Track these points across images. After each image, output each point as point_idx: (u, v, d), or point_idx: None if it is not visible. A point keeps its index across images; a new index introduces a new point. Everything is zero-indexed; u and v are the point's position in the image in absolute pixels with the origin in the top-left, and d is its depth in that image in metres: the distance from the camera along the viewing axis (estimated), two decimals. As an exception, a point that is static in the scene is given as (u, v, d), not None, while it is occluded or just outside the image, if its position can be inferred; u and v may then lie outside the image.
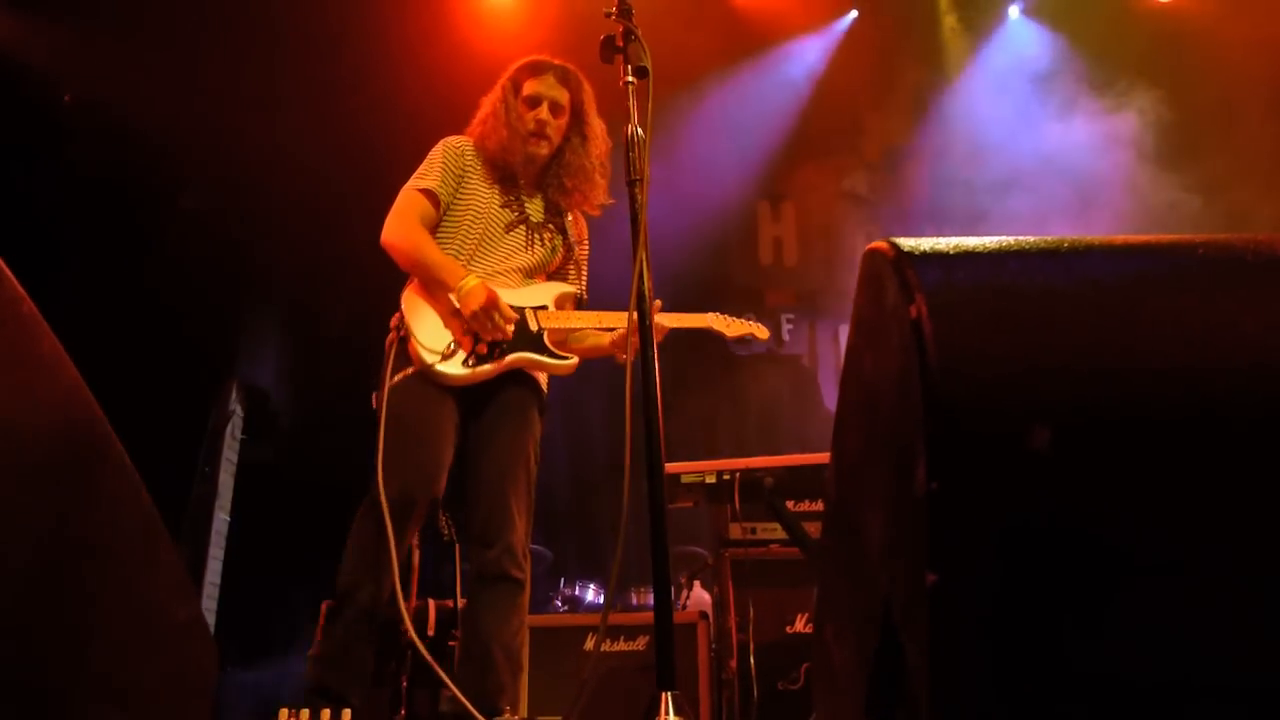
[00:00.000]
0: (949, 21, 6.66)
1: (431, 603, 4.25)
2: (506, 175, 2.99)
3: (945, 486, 0.84)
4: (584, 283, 3.18)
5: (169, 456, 4.95)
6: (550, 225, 3.06)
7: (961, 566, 0.81)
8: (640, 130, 2.21)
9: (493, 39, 6.21)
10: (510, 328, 2.80)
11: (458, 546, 4.36)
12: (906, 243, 0.98)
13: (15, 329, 1.03)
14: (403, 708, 3.65)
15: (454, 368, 2.75)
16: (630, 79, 2.24)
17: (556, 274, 3.12)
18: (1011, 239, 0.99)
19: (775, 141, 6.77)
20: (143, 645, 1.24)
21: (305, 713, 2.15)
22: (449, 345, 2.77)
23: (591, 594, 5.43)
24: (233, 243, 5.92)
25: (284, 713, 2.13)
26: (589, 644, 4.19)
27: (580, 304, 3.12)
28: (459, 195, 2.95)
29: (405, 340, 2.79)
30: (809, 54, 6.71)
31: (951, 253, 0.96)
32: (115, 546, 1.18)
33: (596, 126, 3.07)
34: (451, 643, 4.17)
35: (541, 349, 2.87)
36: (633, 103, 2.23)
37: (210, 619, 4.68)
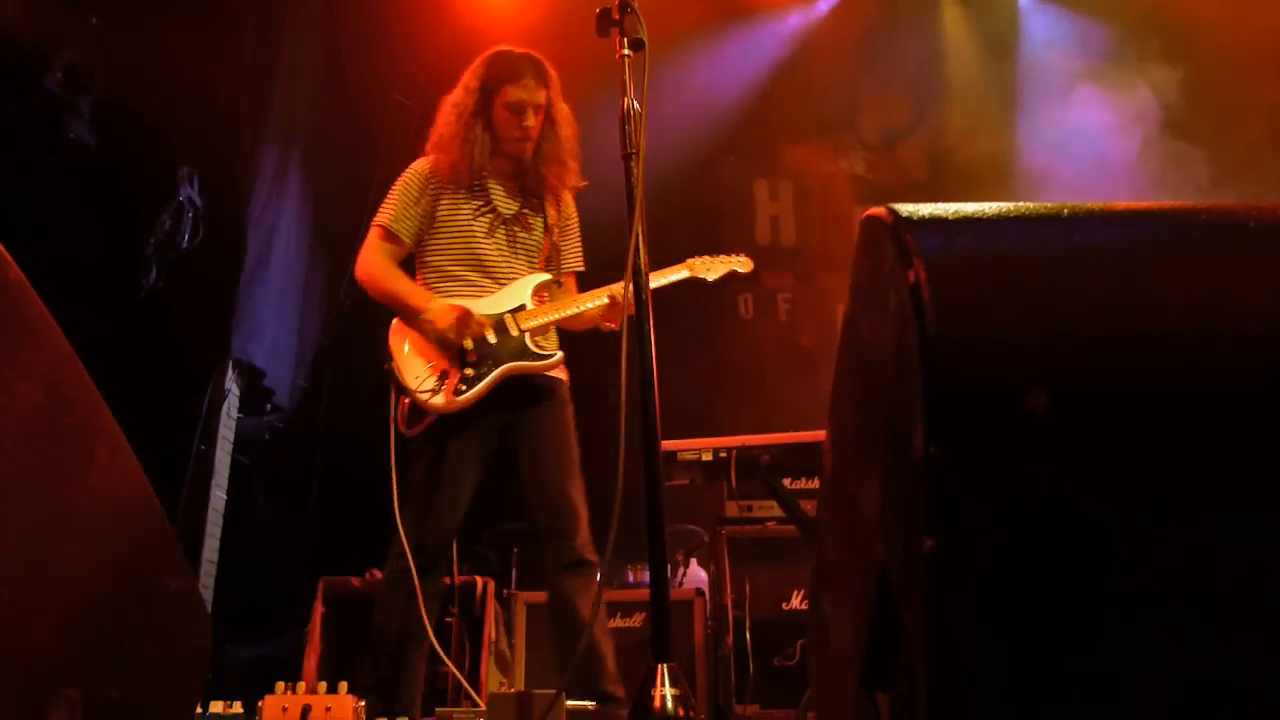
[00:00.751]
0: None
1: (428, 581, 4.24)
2: (471, 182, 3.01)
3: (943, 451, 0.83)
4: (576, 257, 3.22)
5: (165, 436, 4.94)
6: (525, 212, 3.09)
7: (960, 531, 0.81)
8: (637, 104, 2.20)
9: (488, 12, 6.16)
10: (489, 332, 2.85)
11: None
12: (905, 208, 0.97)
13: (1, 297, 1.02)
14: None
15: (442, 399, 2.79)
16: (626, 52, 2.22)
17: (546, 262, 3.14)
18: (1011, 205, 0.98)
19: (773, 121, 6.73)
20: (135, 617, 1.23)
21: (301, 685, 2.16)
22: (437, 378, 2.82)
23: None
24: (229, 221, 5.90)
25: (280, 686, 2.14)
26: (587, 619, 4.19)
27: (577, 276, 3.19)
28: (438, 216, 3.00)
29: (398, 382, 2.85)
30: (804, 30, 6.66)
31: (950, 218, 0.95)
32: (106, 516, 1.17)
33: (563, 111, 3.07)
34: (448, 619, 4.18)
35: (525, 354, 2.89)
36: (629, 76, 2.21)
37: (208, 596, 4.68)
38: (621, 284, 2.95)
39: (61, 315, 1.21)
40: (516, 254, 3.04)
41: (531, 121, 2.97)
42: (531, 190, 3.08)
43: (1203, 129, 6.10)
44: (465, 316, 2.84)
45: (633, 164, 2.15)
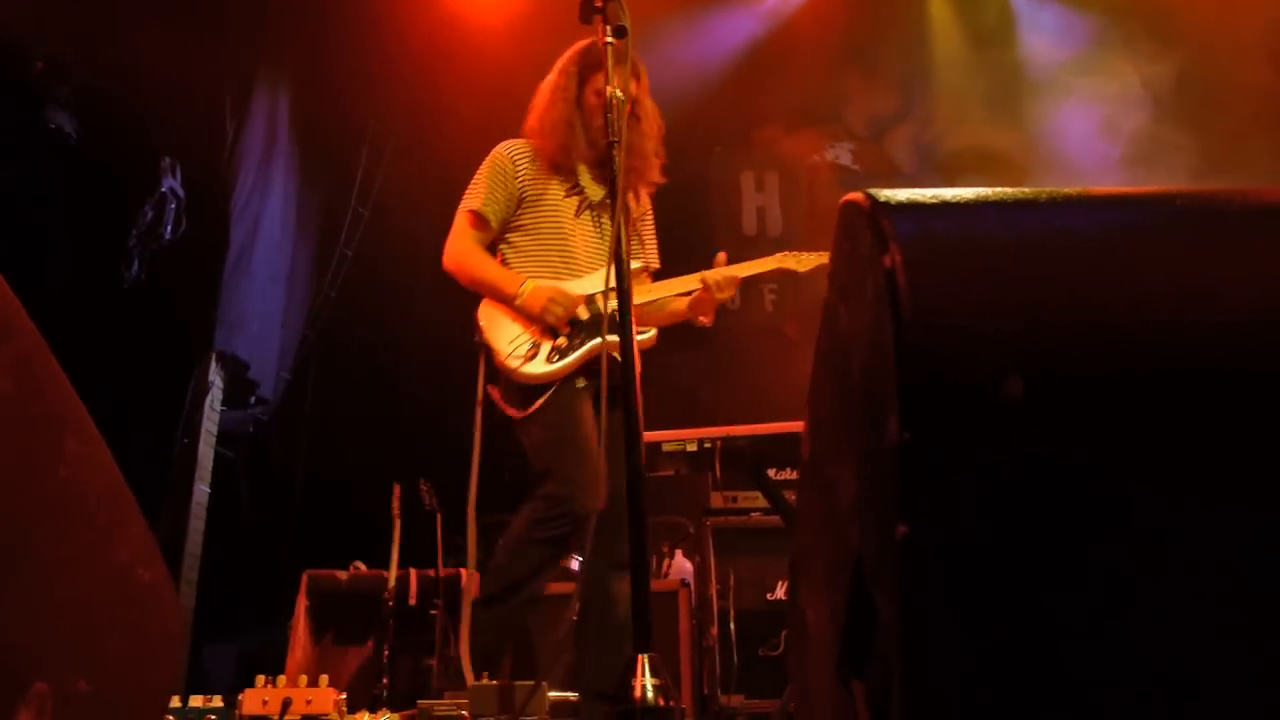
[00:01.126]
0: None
1: (413, 572, 4.25)
2: (560, 164, 3.04)
3: (917, 437, 0.82)
4: (652, 254, 3.25)
5: (148, 429, 4.91)
6: (609, 200, 3.06)
7: (933, 518, 0.80)
8: (619, 92, 2.19)
9: (473, 2, 6.12)
10: (581, 309, 2.87)
11: (439, 516, 4.36)
12: (883, 193, 0.96)
13: (-34, 283, 1.00)
14: (384, 677, 3.66)
15: (538, 366, 2.82)
16: (609, 39, 2.21)
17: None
18: (990, 190, 0.97)
19: (759, 111, 6.72)
20: (108, 610, 1.22)
21: (282, 679, 2.14)
22: (530, 346, 2.85)
23: (576, 564, 5.43)
24: (212, 213, 5.85)
25: (260, 679, 2.12)
26: (568, 613, 4.19)
27: (653, 275, 3.20)
28: (526, 197, 3.02)
29: (490, 354, 2.88)
30: (787, 18, 6.64)
31: (928, 203, 0.94)
32: (77, 508, 1.16)
33: (649, 106, 3.11)
34: (433, 611, 4.18)
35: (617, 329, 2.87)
36: (611, 63, 2.20)
37: (190, 590, 4.66)
38: (714, 269, 2.97)
39: (43, 307, 1.19)
40: (602, 239, 3.05)
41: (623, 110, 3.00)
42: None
43: (1191, 116, 6.11)
44: (561, 295, 2.87)
45: (615, 152, 2.13)
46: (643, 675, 1.58)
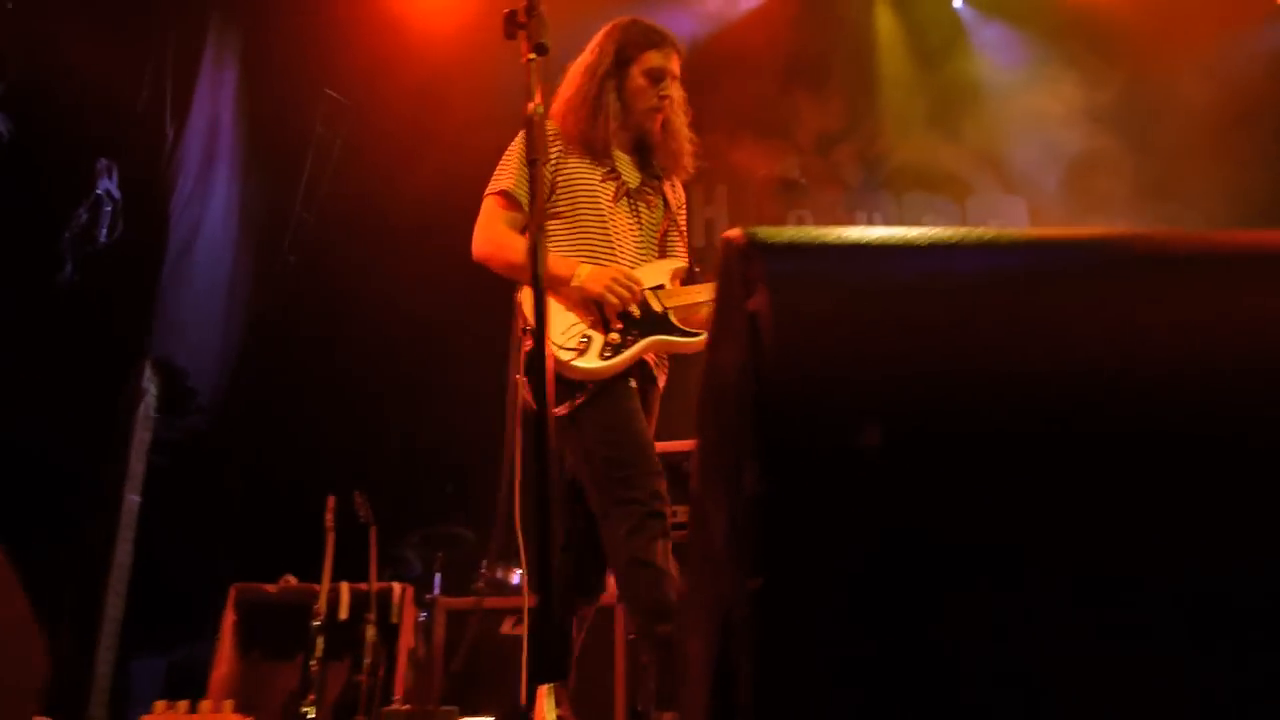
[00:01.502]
0: (883, 4, 6.66)
1: (345, 586, 4.18)
2: (597, 148, 2.89)
3: (773, 488, 0.81)
4: (684, 251, 3.06)
5: (79, 437, 4.79)
6: (649, 188, 2.99)
7: (787, 572, 0.78)
8: (541, 109, 2.16)
9: (420, 8, 6.06)
10: (633, 305, 2.72)
11: (374, 530, 4.30)
12: (761, 231, 0.94)
13: None
14: (312, 691, 3.59)
15: (591, 362, 2.66)
16: (532, 56, 2.18)
17: (663, 242, 3.01)
18: (878, 232, 0.96)
19: (707, 124, 6.72)
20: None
21: (182, 704, 2.08)
22: (581, 339, 2.69)
23: (516, 578, 5.38)
24: (150, 215, 5.73)
25: (159, 705, 2.06)
26: (505, 627, 4.15)
27: (691, 276, 2.97)
28: (559, 181, 2.85)
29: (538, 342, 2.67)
30: (734, 29, 6.65)
31: (806, 243, 0.93)
32: (-66, 541, 1.11)
33: (682, 94, 3.02)
34: (367, 627, 4.11)
35: (671, 329, 2.77)
36: (534, 80, 2.17)
37: (119, 603, 4.55)
38: None
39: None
40: (641, 227, 2.92)
41: (670, 92, 2.91)
42: (651, 169, 2.99)
43: (1133, 136, 6.22)
44: (626, 276, 2.71)
45: (535, 170, 2.11)
46: (543, 708, 1.55)
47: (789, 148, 6.78)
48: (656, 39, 2.94)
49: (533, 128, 2.14)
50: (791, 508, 0.80)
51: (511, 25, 2.22)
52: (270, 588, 4.08)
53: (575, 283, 2.70)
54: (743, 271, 0.91)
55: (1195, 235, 1.00)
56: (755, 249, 0.91)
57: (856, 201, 6.55)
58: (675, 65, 2.96)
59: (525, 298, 2.70)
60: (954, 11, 6.72)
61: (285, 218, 6.45)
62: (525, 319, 2.71)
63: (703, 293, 2.85)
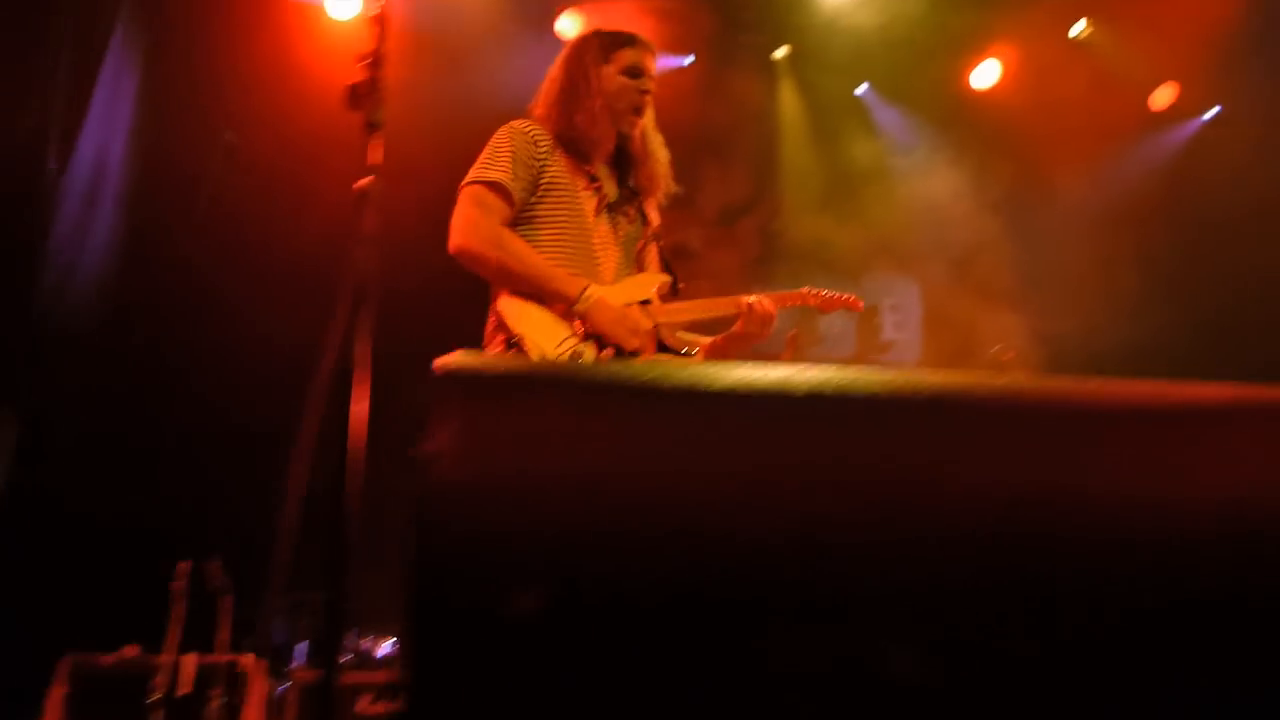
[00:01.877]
0: (787, 84, 6.80)
1: (192, 658, 3.97)
2: (580, 155, 2.76)
3: (423, 650, 0.75)
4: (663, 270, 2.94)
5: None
6: (624, 204, 2.85)
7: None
8: (375, 186, 2.10)
9: (322, 55, 5.99)
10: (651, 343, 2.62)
11: (229, 599, 4.11)
12: (451, 363, 0.88)
13: None
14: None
15: None
16: (371, 126, 2.12)
17: (639, 258, 2.88)
18: (572, 368, 0.91)
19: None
20: None
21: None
22: (572, 352, 2.53)
23: (389, 647, 5.15)
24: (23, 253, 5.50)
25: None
26: (361, 705, 3.99)
27: (675, 292, 2.87)
28: (543, 187, 2.68)
29: (520, 351, 2.50)
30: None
31: (493, 376, 0.88)
32: None
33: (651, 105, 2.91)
34: (212, 703, 3.90)
35: (663, 347, 2.69)
36: (370, 155, 2.11)
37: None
38: (755, 294, 2.77)
39: None
40: (619, 242, 2.78)
41: (650, 88, 2.78)
42: (628, 184, 2.87)
43: (1018, 224, 6.42)
44: (635, 322, 2.58)
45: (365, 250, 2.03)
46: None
47: (691, 219, 6.82)
48: (628, 38, 2.85)
49: (363, 203, 2.07)
50: (440, 672, 0.74)
51: (355, 98, 2.17)
52: (106, 658, 3.84)
53: (577, 308, 2.54)
54: (431, 408, 0.86)
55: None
56: (444, 382, 0.86)
57: (756, 274, 6.61)
58: (651, 64, 2.84)
59: (507, 306, 2.57)
60: (856, 96, 6.89)
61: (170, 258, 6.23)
62: (509, 330, 2.55)
63: (689, 310, 2.79)
